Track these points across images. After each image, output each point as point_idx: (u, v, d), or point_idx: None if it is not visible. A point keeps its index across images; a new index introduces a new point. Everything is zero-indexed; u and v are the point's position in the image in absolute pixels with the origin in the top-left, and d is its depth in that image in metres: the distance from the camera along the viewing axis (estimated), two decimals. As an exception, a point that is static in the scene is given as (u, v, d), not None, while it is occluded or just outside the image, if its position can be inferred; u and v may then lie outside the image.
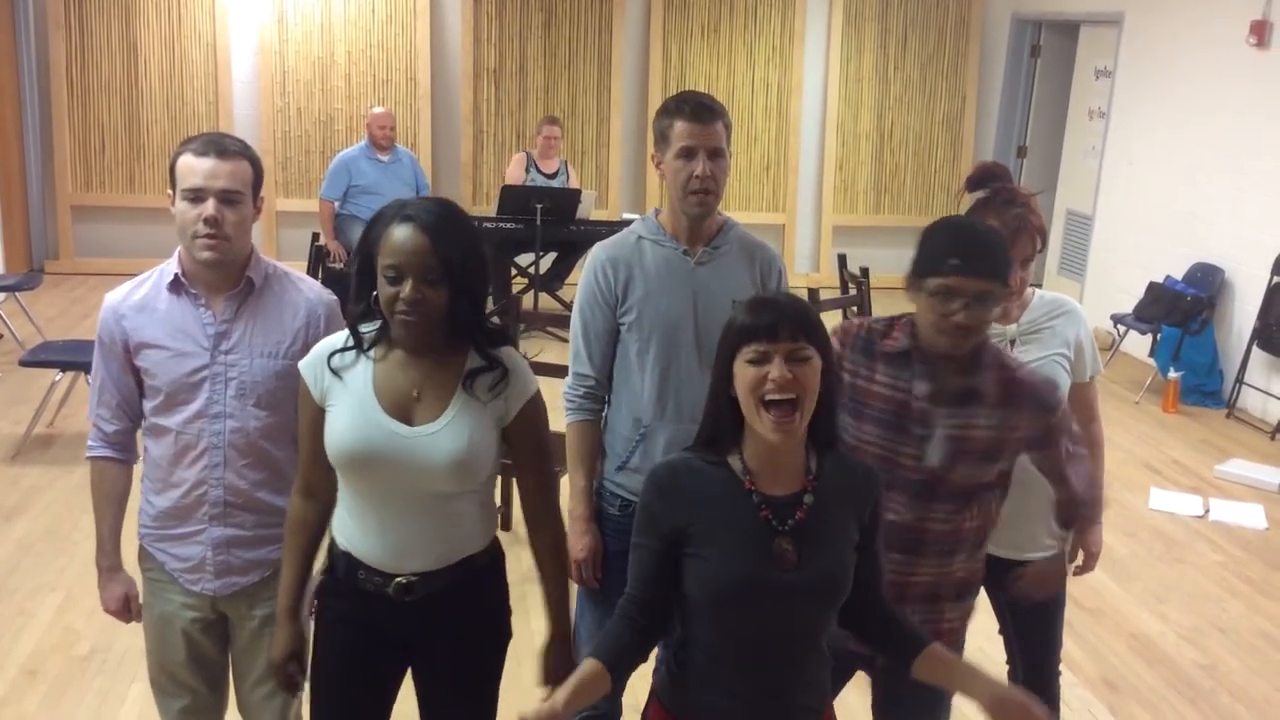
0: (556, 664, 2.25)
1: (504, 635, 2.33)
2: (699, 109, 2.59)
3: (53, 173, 9.05)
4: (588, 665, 1.88)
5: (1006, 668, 2.93)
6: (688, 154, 2.58)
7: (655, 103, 9.58)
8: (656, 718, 2.02)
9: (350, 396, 2.13)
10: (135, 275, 2.48)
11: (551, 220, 7.70)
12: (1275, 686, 3.94)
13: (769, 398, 1.83)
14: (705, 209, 2.63)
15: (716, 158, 2.60)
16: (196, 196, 2.26)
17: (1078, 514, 2.62)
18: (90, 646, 3.83)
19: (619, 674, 1.91)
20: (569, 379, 2.74)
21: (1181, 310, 7.13)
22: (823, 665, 2.01)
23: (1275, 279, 6.71)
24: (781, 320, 1.85)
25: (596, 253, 2.72)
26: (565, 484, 2.64)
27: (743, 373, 1.86)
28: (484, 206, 9.03)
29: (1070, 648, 3.82)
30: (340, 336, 2.20)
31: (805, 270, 10.01)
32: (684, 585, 1.92)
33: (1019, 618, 2.85)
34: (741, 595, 1.86)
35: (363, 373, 2.14)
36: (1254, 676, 3.99)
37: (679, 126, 2.59)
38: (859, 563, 1.97)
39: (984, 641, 3.08)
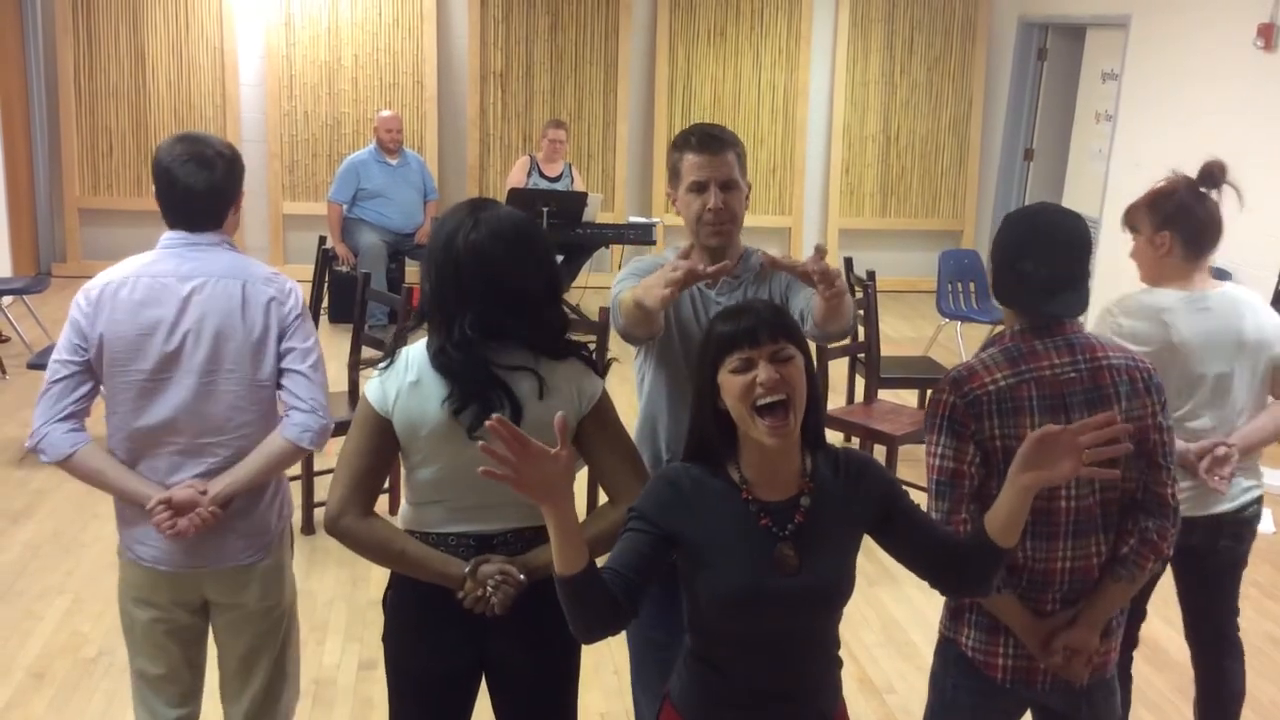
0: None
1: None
2: (706, 140, 2.55)
3: (60, 176, 9.08)
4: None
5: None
6: (699, 188, 2.55)
7: (662, 106, 9.59)
8: (669, 720, 2.02)
9: None
10: None
11: (558, 223, 7.71)
12: (1282, 690, 3.93)
13: (761, 402, 1.83)
14: (723, 239, 2.60)
15: (730, 189, 2.55)
16: None
17: None
18: (98, 649, 3.84)
19: (586, 577, 1.75)
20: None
21: (1188, 313, 7.10)
22: (832, 667, 2.02)
23: (1282, 282, 6.70)
24: (760, 324, 1.85)
25: (641, 258, 2.72)
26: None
27: (730, 382, 1.86)
28: (490, 210, 9.02)
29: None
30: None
31: (811, 273, 10.00)
32: (693, 594, 1.92)
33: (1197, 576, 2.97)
34: (746, 603, 1.87)
35: None
36: (1260, 680, 3.98)
37: (689, 160, 2.55)
38: (906, 529, 1.95)
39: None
